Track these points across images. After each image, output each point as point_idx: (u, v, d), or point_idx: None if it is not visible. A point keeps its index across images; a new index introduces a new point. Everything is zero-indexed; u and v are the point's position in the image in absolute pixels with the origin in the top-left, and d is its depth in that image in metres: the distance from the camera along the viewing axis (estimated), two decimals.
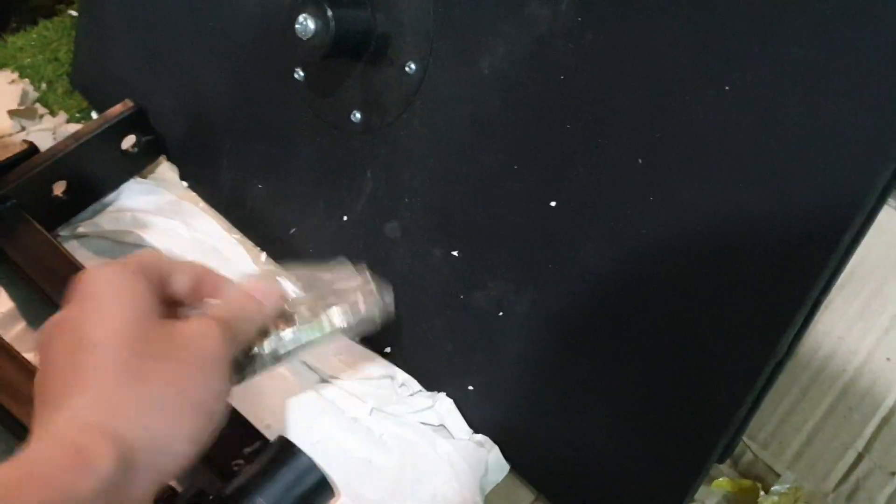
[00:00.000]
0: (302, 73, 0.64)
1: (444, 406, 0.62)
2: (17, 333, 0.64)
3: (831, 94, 0.41)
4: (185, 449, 0.36)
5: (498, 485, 0.60)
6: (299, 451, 0.49)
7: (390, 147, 0.60)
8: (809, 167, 0.42)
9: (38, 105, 0.86)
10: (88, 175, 0.73)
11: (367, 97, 0.60)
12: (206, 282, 0.42)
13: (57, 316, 0.37)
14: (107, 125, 0.73)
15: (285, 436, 0.50)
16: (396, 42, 0.57)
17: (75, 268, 0.63)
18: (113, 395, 0.34)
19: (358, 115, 0.61)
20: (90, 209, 0.73)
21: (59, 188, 0.71)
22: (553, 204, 0.53)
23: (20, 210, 0.66)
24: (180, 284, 0.41)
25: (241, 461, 0.51)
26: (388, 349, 0.66)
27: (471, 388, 0.61)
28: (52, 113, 0.86)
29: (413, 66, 0.57)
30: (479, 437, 0.61)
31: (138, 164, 0.78)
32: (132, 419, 0.34)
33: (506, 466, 0.61)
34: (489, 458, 0.60)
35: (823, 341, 0.62)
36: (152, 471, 0.34)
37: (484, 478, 0.59)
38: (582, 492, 0.57)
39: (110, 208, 0.74)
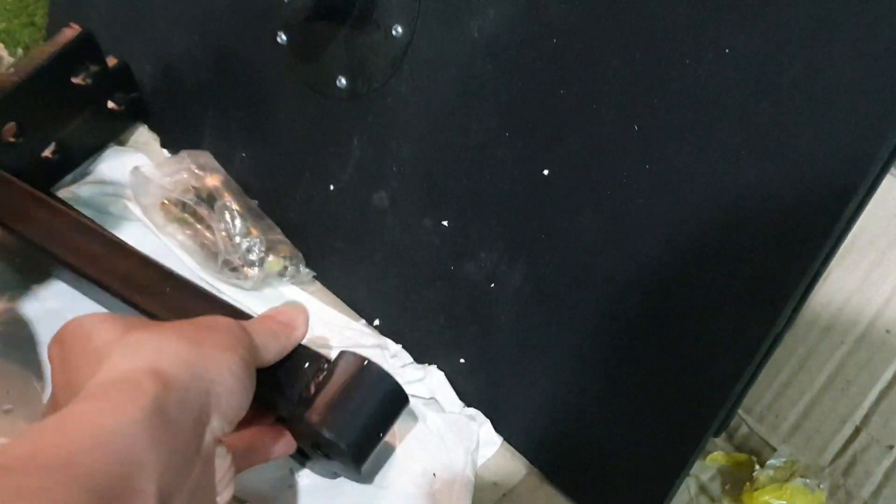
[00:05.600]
0: (284, 37, 0.62)
1: (435, 379, 0.61)
2: None
3: (834, 60, 0.39)
4: (230, 382, 0.38)
5: (490, 459, 0.59)
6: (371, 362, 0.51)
7: (377, 114, 0.59)
8: (811, 135, 0.41)
9: None
10: (40, 115, 0.66)
11: (352, 62, 0.58)
12: None
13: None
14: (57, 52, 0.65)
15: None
16: (382, 4, 0.55)
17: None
18: (148, 343, 0.37)
19: (343, 81, 0.59)
20: (67, 177, 0.71)
21: (8, 133, 0.65)
22: (546, 173, 0.51)
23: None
24: None
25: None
26: (377, 321, 0.65)
27: (462, 360, 0.60)
28: None
29: (400, 29, 0.55)
30: (471, 410, 0.60)
31: (124, 124, 0.77)
32: (171, 356, 0.36)
33: (497, 440, 0.60)
34: (480, 432, 0.59)
35: (822, 313, 0.61)
36: (200, 402, 0.36)
37: (475, 452, 0.58)
38: (576, 466, 0.56)
39: (89, 178, 0.72)
